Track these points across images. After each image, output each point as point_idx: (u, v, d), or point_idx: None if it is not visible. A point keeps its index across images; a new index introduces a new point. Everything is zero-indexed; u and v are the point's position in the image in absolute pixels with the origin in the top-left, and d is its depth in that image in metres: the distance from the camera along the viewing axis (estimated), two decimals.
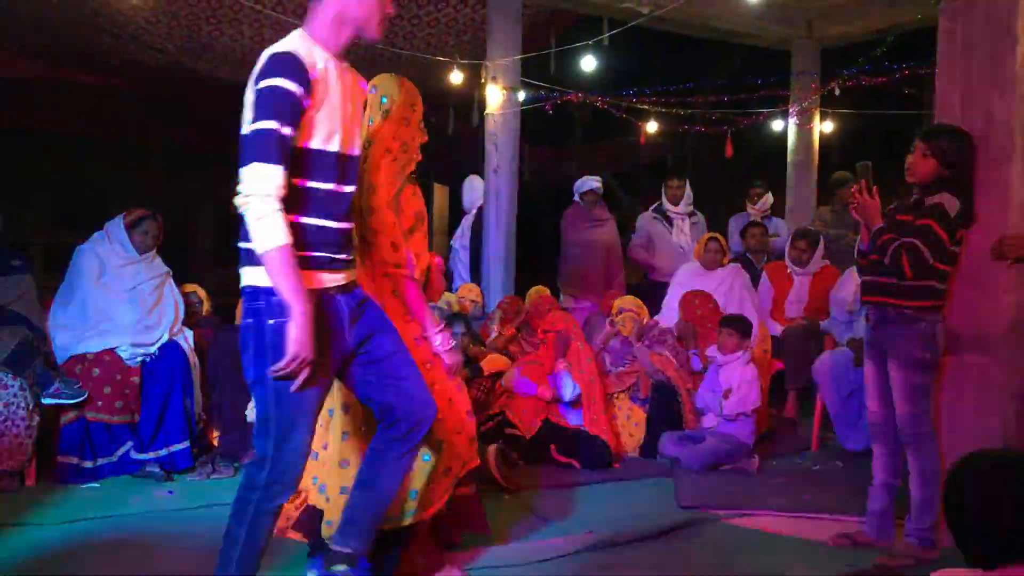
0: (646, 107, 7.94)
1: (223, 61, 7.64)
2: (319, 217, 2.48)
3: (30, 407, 4.17)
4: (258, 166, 2.30)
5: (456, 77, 6.98)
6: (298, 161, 2.39)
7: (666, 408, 5.20)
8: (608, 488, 4.52)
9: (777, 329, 6.00)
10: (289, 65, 2.35)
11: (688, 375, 5.32)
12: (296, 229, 2.39)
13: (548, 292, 6.19)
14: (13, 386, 4.14)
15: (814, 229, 6.51)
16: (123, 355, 4.51)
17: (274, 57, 2.38)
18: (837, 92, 7.40)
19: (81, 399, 4.32)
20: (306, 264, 2.42)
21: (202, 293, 5.52)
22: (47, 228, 11.30)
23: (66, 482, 4.30)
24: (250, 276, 2.43)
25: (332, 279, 2.52)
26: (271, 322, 2.38)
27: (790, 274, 6.22)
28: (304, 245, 2.43)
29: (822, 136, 8.18)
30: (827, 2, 7.39)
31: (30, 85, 8.49)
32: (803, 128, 7.96)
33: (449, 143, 9.21)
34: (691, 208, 7.09)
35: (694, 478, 4.65)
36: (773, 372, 5.84)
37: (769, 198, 7.40)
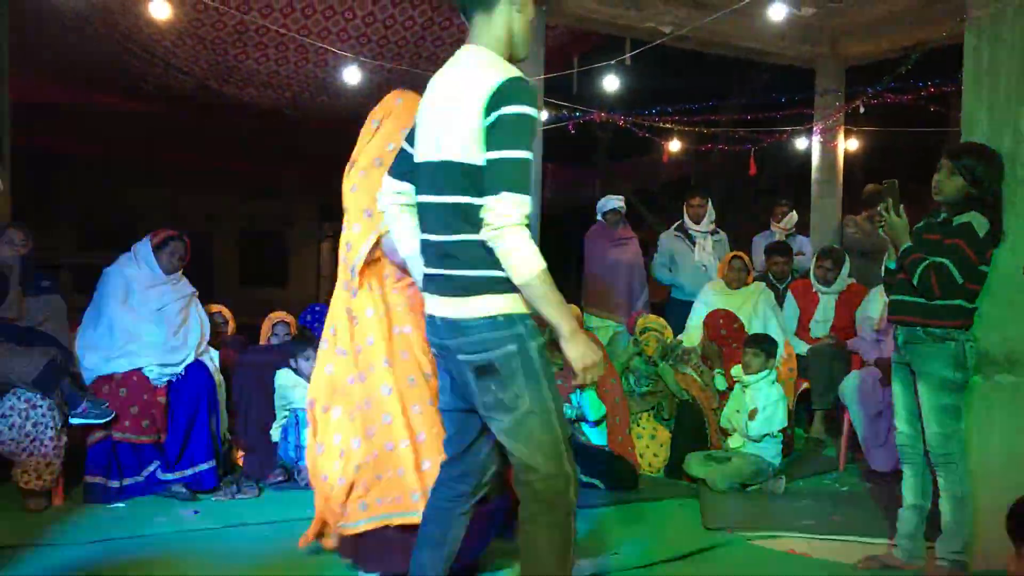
0: (669, 126, 7.93)
1: (249, 83, 7.73)
2: None
3: (58, 427, 4.20)
4: (515, 196, 2.29)
5: None
6: None
7: (691, 428, 5.17)
8: (633, 509, 4.49)
9: (803, 348, 5.95)
10: (532, 93, 2.37)
11: (713, 395, 5.28)
12: None
13: (578, 310, 6.17)
14: (42, 406, 4.18)
15: (839, 248, 6.46)
16: (150, 375, 4.55)
17: (519, 83, 2.36)
18: (862, 110, 7.36)
19: (108, 419, 4.35)
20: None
21: (227, 313, 5.57)
22: (76, 249, 11.46)
23: (93, 501, 4.33)
24: (497, 304, 2.40)
25: None
26: (535, 344, 2.41)
27: (815, 293, 6.17)
28: None
29: (846, 154, 8.13)
30: (851, 20, 7.37)
31: (59, 109, 8.62)
32: (827, 146, 7.92)
33: None
34: (713, 226, 7.07)
35: (720, 499, 4.61)
36: (799, 392, 5.79)
37: (794, 216, 7.37)
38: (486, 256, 2.37)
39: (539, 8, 6.54)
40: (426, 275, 2.56)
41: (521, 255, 2.30)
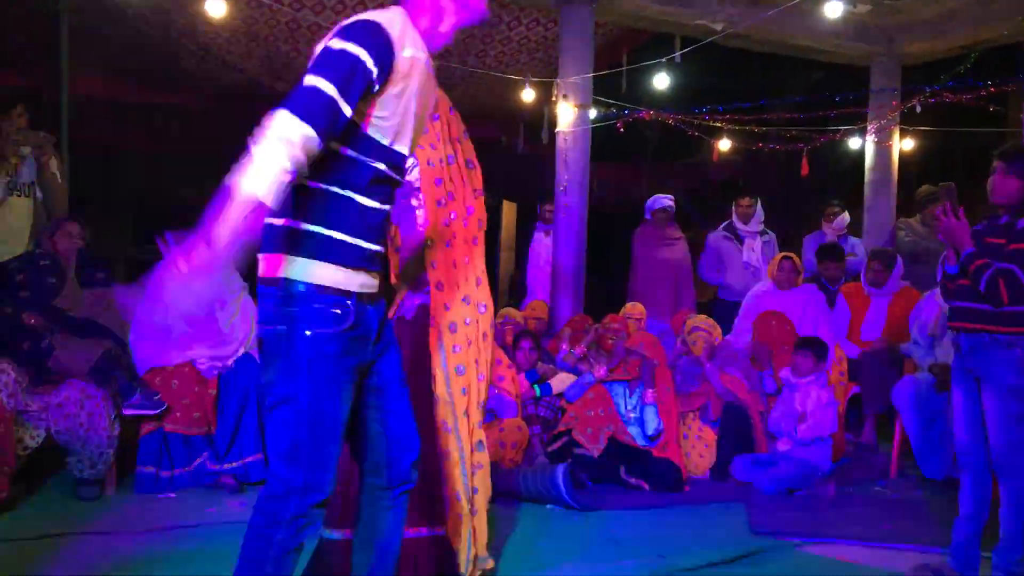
0: (719, 124, 7.84)
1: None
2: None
3: (112, 417, 4.28)
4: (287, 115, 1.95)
5: (528, 95, 7.01)
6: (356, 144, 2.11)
7: (738, 430, 5.10)
8: (678, 511, 4.44)
9: (854, 352, 5.85)
10: (364, 31, 2.07)
11: (760, 397, 5.21)
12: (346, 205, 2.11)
13: (642, 308, 6.14)
14: (96, 396, 4.25)
15: (891, 250, 6.33)
16: (200, 367, 4.62)
17: (355, 23, 2.09)
18: (918, 109, 7.20)
19: (161, 410, 4.42)
20: (348, 256, 2.11)
21: None
22: (130, 243, 11.66)
23: (144, 491, 4.41)
24: (283, 266, 2.07)
25: (369, 283, 2.20)
26: (309, 333, 2.07)
27: (867, 295, 6.06)
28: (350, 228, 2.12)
29: (901, 154, 7.97)
30: (908, 18, 7.22)
31: (117, 105, 8.78)
32: (881, 146, 7.77)
33: (519, 160, 9.24)
34: (762, 227, 6.98)
35: (767, 503, 4.55)
36: (849, 396, 5.69)
37: (846, 217, 7.24)
38: (289, 200, 2.03)
39: (589, 5, 6.53)
40: None
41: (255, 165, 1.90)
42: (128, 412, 4.36)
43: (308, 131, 1.93)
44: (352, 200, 2.11)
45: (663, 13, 6.77)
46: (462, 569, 2.96)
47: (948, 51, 7.39)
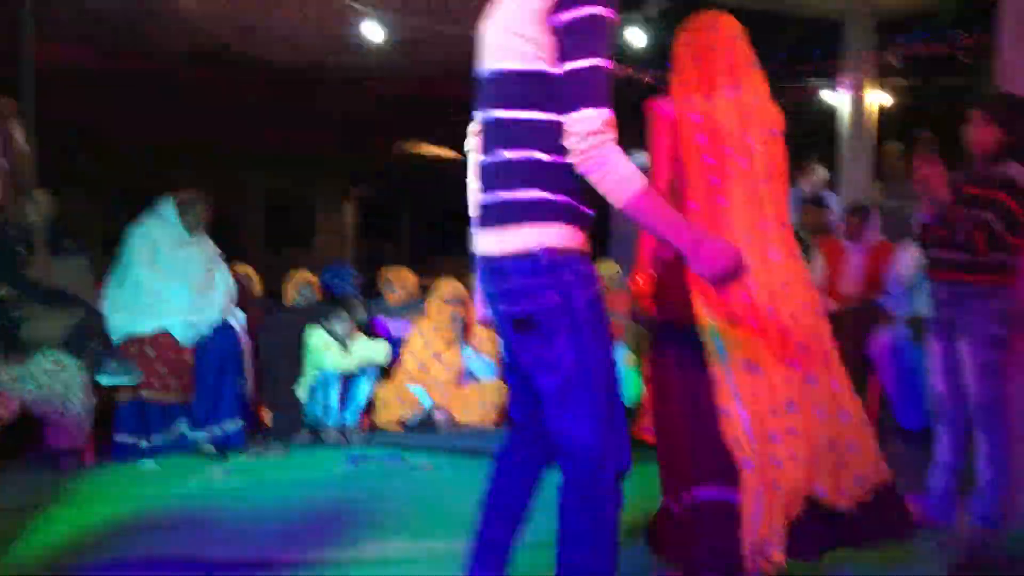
0: None
1: (271, 43, 7.68)
2: None
3: (87, 387, 4.24)
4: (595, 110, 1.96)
5: None
6: None
7: None
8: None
9: (832, 306, 5.86)
10: None
11: None
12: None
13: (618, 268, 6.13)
14: (71, 366, 4.21)
15: (865, 203, 6.33)
16: (177, 335, 4.57)
17: None
18: (894, 63, 7.18)
19: (137, 379, 4.38)
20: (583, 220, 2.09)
21: (253, 274, 5.58)
22: (104, 215, 11.53)
23: (123, 460, 4.39)
24: (540, 236, 2.02)
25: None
26: (584, 296, 2.04)
27: (843, 250, 6.06)
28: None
29: (877, 111, 7.95)
30: None
31: (81, 73, 8.59)
32: (857, 103, 7.75)
33: None
34: None
35: None
36: None
37: (821, 172, 7.23)
38: (533, 173, 2.03)
39: None
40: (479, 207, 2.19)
41: (615, 176, 1.96)
42: (104, 381, 4.33)
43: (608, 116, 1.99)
44: (569, 166, 2.02)
45: None
46: (744, 550, 2.45)
47: (923, 5, 7.35)
